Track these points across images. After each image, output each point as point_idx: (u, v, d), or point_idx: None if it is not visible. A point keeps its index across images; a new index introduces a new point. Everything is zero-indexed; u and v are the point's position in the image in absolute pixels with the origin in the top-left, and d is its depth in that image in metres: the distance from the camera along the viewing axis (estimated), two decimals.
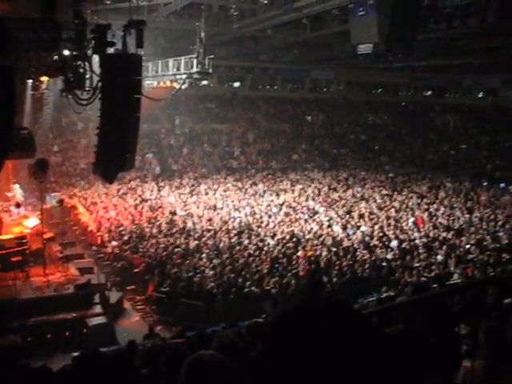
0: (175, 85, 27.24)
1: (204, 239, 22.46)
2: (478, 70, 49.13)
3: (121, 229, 23.75)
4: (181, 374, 2.45)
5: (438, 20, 26.58)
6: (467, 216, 26.90)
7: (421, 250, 21.07)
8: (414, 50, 25.16)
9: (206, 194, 31.13)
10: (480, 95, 58.33)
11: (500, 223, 25.61)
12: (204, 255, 20.45)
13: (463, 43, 32.37)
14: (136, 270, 19.95)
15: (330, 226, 24.77)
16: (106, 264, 21.74)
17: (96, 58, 14.58)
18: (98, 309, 17.00)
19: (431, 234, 23.50)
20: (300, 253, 20.59)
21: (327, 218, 26.09)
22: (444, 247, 21.31)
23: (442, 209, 28.52)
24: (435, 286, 13.34)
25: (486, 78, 54.27)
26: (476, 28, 26.37)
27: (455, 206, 29.59)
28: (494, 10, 23.81)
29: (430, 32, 27.44)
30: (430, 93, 58.75)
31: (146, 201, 28.97)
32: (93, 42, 14.07)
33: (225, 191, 31.80)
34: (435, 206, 29.33)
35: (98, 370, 4.49)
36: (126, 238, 22.74)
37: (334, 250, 21.09)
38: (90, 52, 14.71)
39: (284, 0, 23.57)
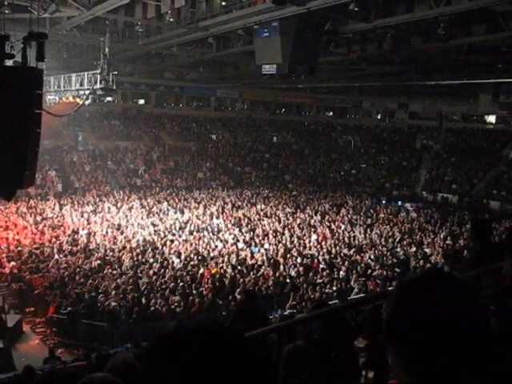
0: (78, 100, 26.64)
1: (107, 258, 22.00)
2: (377, 93, 51.21)
3: (20, 248, 22.84)
4: None
5: (339, 44, 27.57)
6: (367, 233, 27.81)
7: (323, 266, 21.55)
8: (317, 71, 25.88)
9: (110, 212, 30.53)
10: (378, 117, 60.66)
11: (397, 239, 26.68)
12: (107, 275, 20.00)
13: (362, 67, 33.69)
14: (36, 292, 19.22)
15: (234, 243, 24.89)
16: (4, 285, 20.81)
17: None
18: None
19: (333, 251, 24.10)
20: (203, 270, 20.57)
21: (232, 236, 26.21)
22: (346, 263, 21.91)
23: (343, 226, 29.33)
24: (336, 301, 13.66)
25: (384, 100, 56.63)
26: (374, 53, 27.58)
27: (356, 223, 30.51)
28: (389, 38, 24.96)
29: (331, 55, 28.41)
30: (331, 113, 60.46)
31: (46, 219, 28.04)
32: None
33: (129, 209, 31.30)
34: (337, 223, 30.12)
35: None
36: (25, 257, 21.89)
37: (238, 267, 21.20)
38: None
39: (190, 19, 23.64)
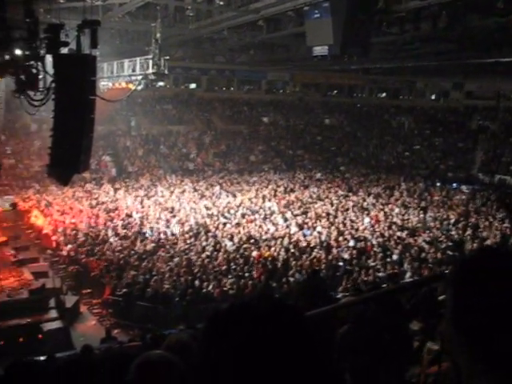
0: (131, 86, 26.96)
1: (160, 241, 22.34)
2: (431, 73, 50.08)
3: (76, 232, 23.41)
4: (129, 375, 2.42)
5: (391, 24, 27.03)
6: (421, 216, 27.38)
7: (376, 250, 21.35)
8: (369, 52, 25.47)
9: (163, 195, 30.93)
10: (432, 97, 59.41)
11: (452, 222, 26.17)
12: (160, 257, 20.32)
13: (416, 46, 32.98)
14: (92, 274, 19.70)
15: (287, 226, 24.89)
16: (62, 268, 21.41)
17: (49, 58, 14.31)
18: (53, 313, 16.71)
19: (386, 234, 23.83)
20: (255, 253, 20.65)
21: (284, 219, 26.20)
22: (399, 246, 21.65)
23: (397, 209, 28.94)
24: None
25: (438, 80, 55.38)
26: (428, 32, 26.92)
27: (409, 206, 30.08)
28: (445, 15, 24.32)
29: (384, 35, 27.90)
30: (384, 95, 59.53)
31: (101, 203, 28.62)
32: (46, 41, 13.81)
33: (181, 193, 31.64)
34: (390, 206, 29.75)
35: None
36: (81, 240, 22.43)
37: (291, 250, 21.20)
38: (42, 52, 14.44)
39: (240, 1, 23.56)
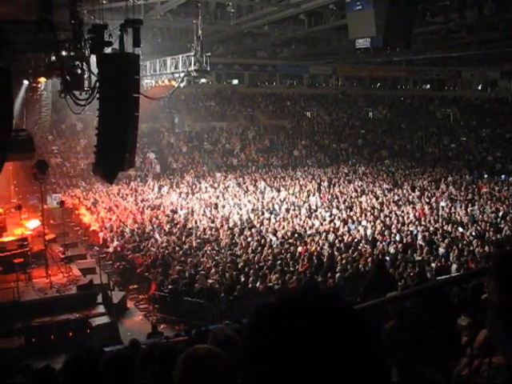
0: (173, 83, 27.17)
1: (206, 237, 22.49)
2: (477, 62, 49.11)
3: (122, 228, 23.76)
4: (176, 369, 2.44)
5: (435, 13, 26.58)
6: (469, 209, 26.89)
7: (422, 243, 21.04)
8: (412, 43, 25.12)
9: (207, 191, 31.13)
10: (479, 87, 58.26)
11: (501, 215, 25.59)
12: (206, 253, 20.46)
13: (461, 35, 32.34)
14: (138, 270, 19.96)
15: (331, 221, 24.76)
16: (108, 264, 21.77)
17: (94, 58, 14.54)
18: (101, 309, 17.00)
19: (432, 228, 23.47)
20: (301, 249, 20.60)
21: (328, 214, 26.08)
22: (446, 240, 21.29)
23: (443, 202, 28.48)
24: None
25: (485, 69, 54.26)
26: (473, 20, 26.37)
27: (456, 199, 29.58)
28: (490, 2, 23.79)
29: (427, 25, 27.44)
30: (428, 86, 58.64)
31: (146, 200, 28.98)
32: (90, 42, 14.04)
33: (226, 189, 31.79)
34: (436, 199, 29.31)
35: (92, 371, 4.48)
36: (127, 237, 22.76)
37: (336, 245, 21.09)
38: (87, 52, 14.69)
39: None
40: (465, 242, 21.34)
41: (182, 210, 27.02)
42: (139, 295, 19.71)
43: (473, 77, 57.63)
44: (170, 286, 17.88)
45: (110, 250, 22.11)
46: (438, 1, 23.84)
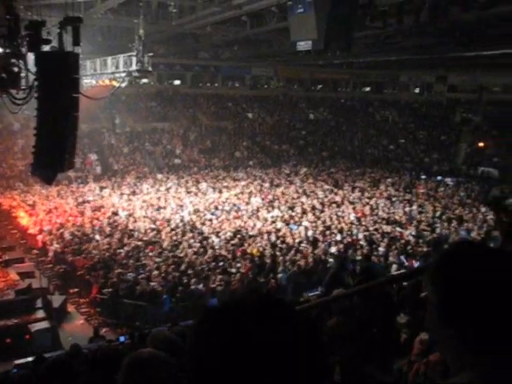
0: (114, 83, 26.82)
1: (147, 239, 22.26)
2: (414, 67, 50.38)
3: (62, 231, 23.27)
4: (120, 373, 2.41)
5: (374, 18, 27.12)
6: (407, 209, 27.54)
7: (363, 243, 21.42)
8: (352, 46, 25.52)
9: (148, 193, 30.85)
10: (416, 91, 59.71)
11: (438, 215, 26.33)
12: (147, 255, 20.26)
13: (399, 40, 33.15)
14: (79, 273, 19.59)
15: (273, 221, 24.91)
16: (48, 267, 21.28)
17: (31, 56, 14.18)
18: (40, 314, 16.58)
19: (372, 228, 23.92)
20: (243, 249, 20.67)
21: (270, 214, 26.22)
22: (385, 240, 21.74)
23: (382, 202, 29.06)
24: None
25: (422, 73, 55.73)
26: (411, 26, 27.08)
27: (395, 199, 30.22)
28: (427, 9, 24.48)
29: (367, 29, 28.00)
30: (368, 89, 59.73)
31: (87, 202, 28.48)
32: (27, 39, 13.68)
33: (167, 190, 31.58)
34: (376, 199, 29.88)
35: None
36: (67, 239, 22.31)
37: (278, 245, 21.23)
38: (24, 50, 14.30)
39: None
40: (403, 241, 21.85)
41: (123, 211, 26.68)
42: (80, 299, 19.32)
43: (410, 80, 59.09)
44: (111, 289, 17.63)
45: (50, 253, 21.62)
46: (377, 6, 24.32)
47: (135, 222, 24.80)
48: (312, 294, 15.35)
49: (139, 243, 21.57)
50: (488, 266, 1.34)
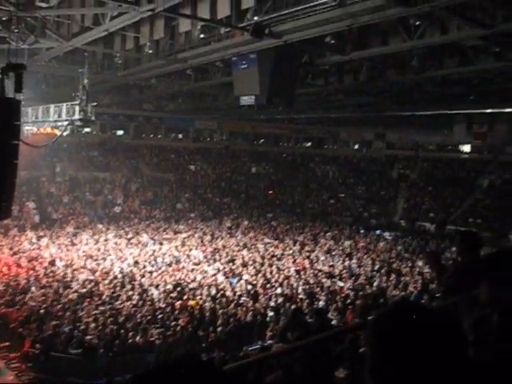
0: (56, 131, 26.52)
1: (85, 290, 21.73)
2: (354, 124, 51.87)
3: None
4: None
5: (316, 76, 27.99)
6: (346, 263, 27.87)
7: (303, 296, 21.48)
8: (294, 103, 26.14)
9: (88, 243, 30.27)
10: (356, 147, 61.25)
11: (376, 268, 26.74)
12: (85, 307, 19.74)
13: (339, 98, 34.18)
14: (11, 325, 18.87)
15: (213, 274, 24.77)
16: None
17: None
18: None
19: (312, 281, 24.07)
20: (182, 302, 20.41)
21: (211, 267, 26.08)
22: (325, 293, 21.88)
23: (323, 256, 29.35)
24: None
25: (361, 130, 57.36)
26: (350, 85, 28.08)
27: (334, 253, 30.57)
28: (365, 70, 25.49)
29: (309, 87, 28.81)
30: (309, 144, 60.88)
31: (23, 251, 27.69)
32: None
33: (107, 241, 31.06)
34: (316, 253, 30.14)
35: None
36: (0, 290, 21.53)
37: (218, 298, 21.08)
38: None
39: (169, 50, 23.80)
40: (343, 294, 22.03)
41: (61, 262, 26.04)
42: (10, 353, 18.53)
43: (350, 137, 60.66)
44: (45, 343, 17.02)
45: None
46: (319, 65, 25.10)
47: (73, 272, 24.22)
48: (252, 348, 15.28)
49: (77, 294, 21.03)
50: (418, 327, 1.40)
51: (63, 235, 32.02)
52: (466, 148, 54.04)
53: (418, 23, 18.53)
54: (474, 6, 16.71)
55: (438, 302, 6.97)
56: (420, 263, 27.78)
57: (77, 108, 24.20)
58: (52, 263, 25.72)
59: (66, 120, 25.06)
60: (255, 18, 18.19)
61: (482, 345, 2.51)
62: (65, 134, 25.72)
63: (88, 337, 17.16)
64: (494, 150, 48.78)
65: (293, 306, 20.10)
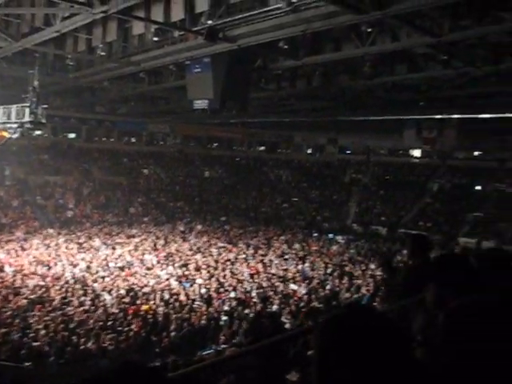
0: (5, 134, 25.99)
1: (36, 297, 21.32)
2: (307, 128, 52.34)
3: None
4: None
5: (269, 81, 28.19)
6: (300, 266, 28.06)
7: (256, 300, 21.54)
8: (247, 107, 26.27)
9: (38, 248, 29.71)
10: (309, 151, 61.77)
11: (329, 272, 27.01)
12: (35, 314, 19.37)
13: (292, 103, 34.48)
14: None
15: (167, 279, 24.62)
16: None
17: None
18: None
19: (265, 284, 24.15)
20: (135, 307, 20.23)
21: (164, 272, 25.93)
22: (278, 297, 21.98)
23: (276, 260, 29.49)
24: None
25: (314, 135, 57.91)
26: (303, 90, 28.37)
27: (287, 257, 30.75)
28: (318, 75, 25.79)
29: (262, 91, 28.97)
30: (263, 148, 61.12)
31: None
32: None
33: (59, 245, 30.54)
34: (269, 256, 30.27)
35: None
36: None
37: (172, 303, 20.96)
38: None
39: (122, 53, 23.61)
40: (296, 298, 22.17)
41: (10, 267, 25.48)
42: None
43: (303, 141, 61.17)
44: None
45: None
46: (272, 70, 25.28)
47: (23, 278, 23.74)
48: (206, 352, 15.27)
49: (27, 301, 20.61)
50: (365, 330, 1.45)
51: (13, 240, 31.35)
52: (417, 153, 55.20)
53: (369, 30, 18.90)
54: (423, 16, 17.14)
55: (387, 304, 7.10)
56: (372, 266, 28.20)
57: (27, 110, 23.75)
58: (1, 269, 25.16)
59: (16, 122, 24.58)
60: (209, 22, 18.25)
61: (428, 346, 2.60)
62: (14, 136, 25.23)
63: (38, 343, 16.84)
64: (443, 155, 49.97)
65: (246, 310, 20.21)
